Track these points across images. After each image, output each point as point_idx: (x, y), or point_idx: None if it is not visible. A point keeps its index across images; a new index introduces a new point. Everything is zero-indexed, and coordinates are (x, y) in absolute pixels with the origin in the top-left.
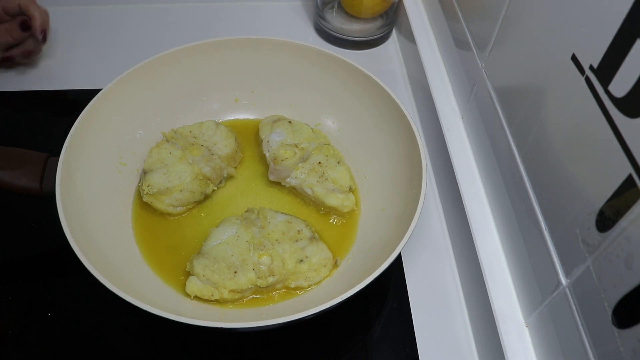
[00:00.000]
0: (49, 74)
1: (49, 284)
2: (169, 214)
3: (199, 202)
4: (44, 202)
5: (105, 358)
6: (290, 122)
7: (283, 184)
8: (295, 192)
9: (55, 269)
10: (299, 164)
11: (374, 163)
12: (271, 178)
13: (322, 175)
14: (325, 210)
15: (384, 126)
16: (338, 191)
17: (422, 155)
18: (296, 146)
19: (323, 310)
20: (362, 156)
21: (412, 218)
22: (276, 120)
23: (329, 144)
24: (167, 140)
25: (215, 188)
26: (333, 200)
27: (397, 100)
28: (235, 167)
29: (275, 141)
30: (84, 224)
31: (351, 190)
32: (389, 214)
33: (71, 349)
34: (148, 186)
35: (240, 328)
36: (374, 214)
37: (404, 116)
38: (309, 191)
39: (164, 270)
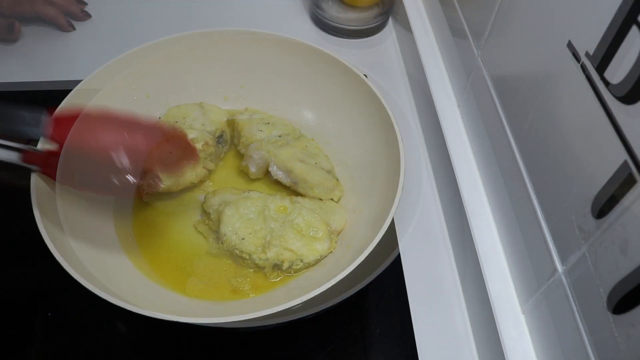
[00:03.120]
0: (31, 66)
1: (46, 281)
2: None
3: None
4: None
5: (104, 357)
6: (267, 116)
7: (271, 172)
8: (278, 187)
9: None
10: (280, 151)
11: (356, 153)
12: (252, 170)
13: (306, 155)
14: (309, 192)
15: (367, 123)
16: (324, 171)
17: (400, 149)
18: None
19: (312, 299)
20: (345, 149)
21: (390, 211)
22: (253, 114)
23: (307, 137)
24: None
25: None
26: (317, 177)
27: (384, 102)
28: (220, 161)
29: (253, 135)
30: (61, 215)
31: (338, 181)
32: (365, 216)
33: (69, 348)
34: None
35: (234, 322)
36: (351, 214)
37: (388, 117)
38: (297, 166)
39: (156, 268)
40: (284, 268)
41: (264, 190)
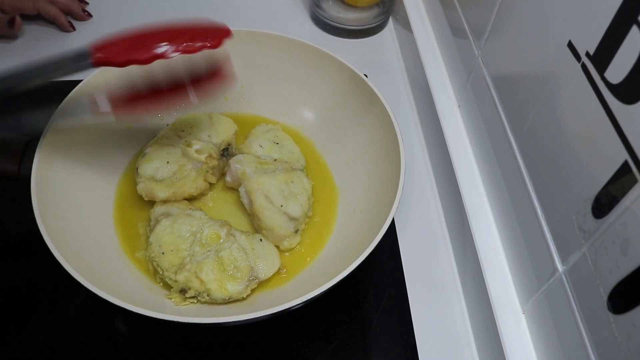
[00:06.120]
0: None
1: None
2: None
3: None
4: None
5: (103, 357)
6: (282, 136)
7: (240, 194)
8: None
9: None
10: (256, 177)
11: (356, 152)
12: (227, 179)
13: (282, 191)
14: (259, 230)
15: (367, 123)
16: (287, 217)
17: (401, 153)
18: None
19: (308, 300)
20: (345, 148)
21: (389, 214)
22: (269, 130)
23: (300, 173)
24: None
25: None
26: (271, 221)
27: (384, 102)
28: (222, 175)
29: (251, 147)
30: (61, 213)
31: (297, 232)
32: (365, 216)
33: (69, 348)
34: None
35: (225, 322)
36: (351, 214)
37: (388, 117)
38: (258, 201)
39: (145, 265)
40: (187, 295)
41: (232, 202)
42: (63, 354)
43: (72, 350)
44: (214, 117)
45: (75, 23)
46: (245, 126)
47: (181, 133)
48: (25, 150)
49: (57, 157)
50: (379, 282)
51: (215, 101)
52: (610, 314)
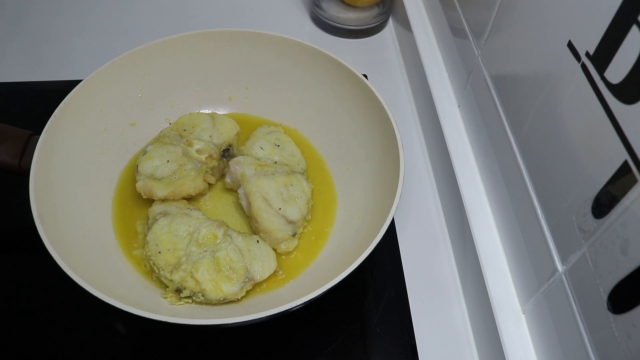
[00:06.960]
0: (31, 66)
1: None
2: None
3: (191, 198)
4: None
5: (103, 358)
6: (283, 138)
7: (239, 195)
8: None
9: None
10: (255, 179)
11: (356, 152)
12: (227, 180)
13: (281, 194)
14: (257, 232)
15: (367, 123)
16: (284, 220)
17: (400, 157)
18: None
19: (306, 302)
20: (345, 148)
21: (386, 218)
22: (271, 132)
23: (300, 176)
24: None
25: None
26: (268, 224)
27: (383, 103)
28: (221, 175)
29: (251, 149)
30: (59, 208)
31: (295, 236)
32: (363, 222)
33: (69, 349)
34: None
35: (218, 324)
36: (349, 219)
37: (387, 118)
38: (256, 204)
39: (141, 263)
40: (182, 295)
41: (231, 203)
42: (57, 351)
43: (66, 346)
44: (217, 118)
45: (75, 22)
46: (248, 128)
47: (183, 132)
48: (27, 144)
49: (57, 152)
50: (379, 282)
51: (220, 101)
52: (610, 314)
